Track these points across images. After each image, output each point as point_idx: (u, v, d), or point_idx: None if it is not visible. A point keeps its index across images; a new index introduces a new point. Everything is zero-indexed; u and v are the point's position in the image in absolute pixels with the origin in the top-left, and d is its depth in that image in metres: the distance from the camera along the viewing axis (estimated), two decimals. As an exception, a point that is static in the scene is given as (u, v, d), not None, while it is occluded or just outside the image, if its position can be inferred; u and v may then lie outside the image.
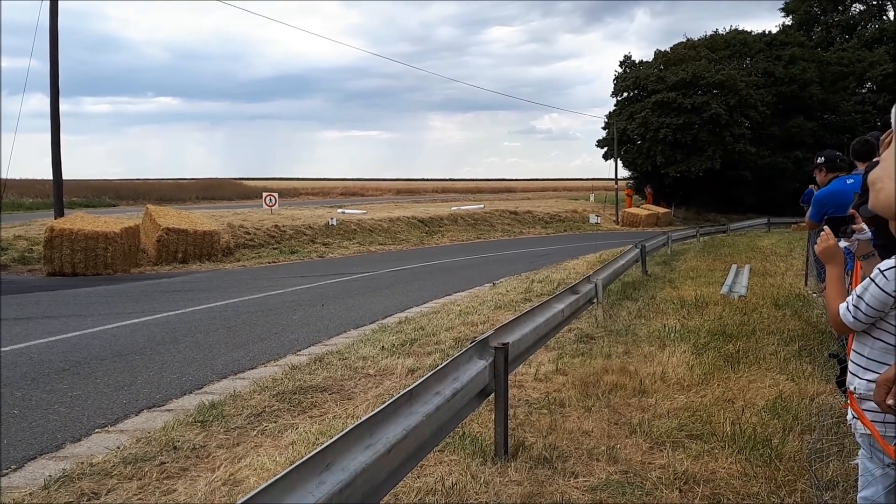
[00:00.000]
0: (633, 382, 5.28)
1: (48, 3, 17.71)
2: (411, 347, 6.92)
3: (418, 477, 3.61)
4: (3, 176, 29.40)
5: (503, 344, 4.08)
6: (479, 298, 10.56)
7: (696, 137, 42.95)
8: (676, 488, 3.44)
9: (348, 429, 2.65)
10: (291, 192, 62.16)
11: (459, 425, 3.91)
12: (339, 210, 30.57)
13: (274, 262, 18.36)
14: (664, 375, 5.47)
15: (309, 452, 2.43)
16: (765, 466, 3.64)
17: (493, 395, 3.99)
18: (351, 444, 2.69)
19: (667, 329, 7.31)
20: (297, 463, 2.30)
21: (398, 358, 6.43)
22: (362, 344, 7.21)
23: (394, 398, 3.00)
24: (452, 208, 34.97)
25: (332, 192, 69.01)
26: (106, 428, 4.85)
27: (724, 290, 10.16)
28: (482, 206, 37.57)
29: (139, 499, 3.54)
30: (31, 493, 3.62)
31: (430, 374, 3.40)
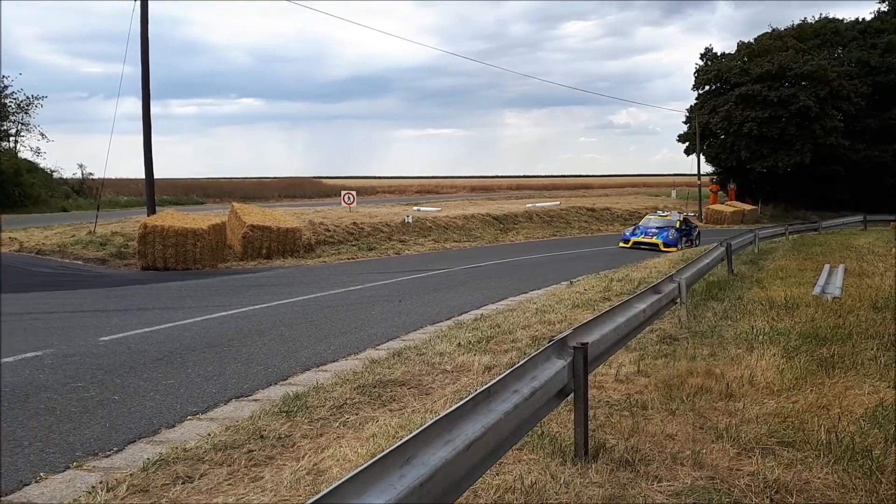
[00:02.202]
0: (720, 386, 5.10)
1: (139, 11, 18.64)
2: (487, 345, 6.93)
3: (497, 474, 3.61)
4: (101, 175, 31.27)
5: (582, 343, 4.02)
6: (556, 297, 10.45)
7: (784, 131, 41.04)
8: (767, 497, 3.31)
9: (428, 424, 2.68)
10: (369, 189, 63.28)
11: (538, 424, 3.89)
12: (415, 208, 30.89)
13: (353, 258, 18.74)
14: (752, 379, 5.26)
15: (390, 446, 2.47)
16: (865, 479, 3.45)
17: (572, 395, 3.94)
18: (431, 439, 2.71)
19: (755, 331, 7.02)
20: (380, 456, 2.34)
21: (475, 355, 6.45)
22: (439, 340, 7.26)
23: (472, 395, 3.01)
24: (527, 205, 34.74)
25: (408, 190, 69.77)
26: (197, 415, 5.08)
27: (817, 290, 9.67)
28: (558, 202, 37.15)
29: (229, 484, 3.69)
30: (131, 475, 3.83)
31: (507, 372, 3.39)
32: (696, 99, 47.92)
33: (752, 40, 46.26)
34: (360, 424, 4.64)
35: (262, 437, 4.39)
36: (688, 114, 48.14)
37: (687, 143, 47.78)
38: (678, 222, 23.17)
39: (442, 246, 22.27)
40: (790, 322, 7.46)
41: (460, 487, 2.83)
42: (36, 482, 3.85)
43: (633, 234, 23.15)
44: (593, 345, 4.35)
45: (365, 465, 2.25)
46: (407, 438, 2.51)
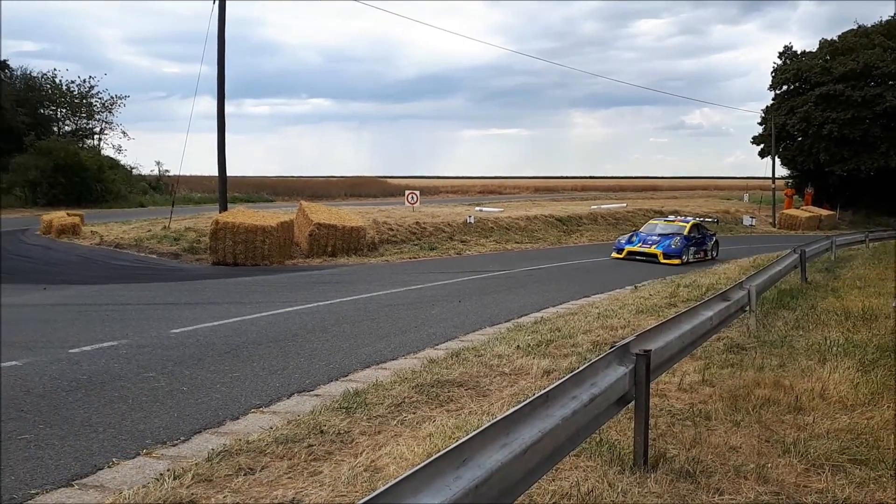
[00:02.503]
0: (788, 398, 4.91)
1: (217, 12, 19.28)
2: (547, 348, 6.87)
3: (553, 480, 3.57)
4: (177, 172, 32.54)
5: (645, 351, 3.94)
6: (620, 301, 10.27)
7: (867, 133, 39.10)
8: (837, 517, 3.17)
9: (485, 426, 2.68)
10: (432, 189, 63.64)
11: (597, 431, 3.83)
12: (477, 208, 30.88)
13: (414, 257, 18.89)
14: (824, 392, 5.04)
15: (446, 446, 2.48)
16: (945, 502, 3.26)
17: (633, 402, 3.87)
18: (487, 441, 2.71)
19: (828, 342, 6.72)
20: (436, 456, 2.35)
21: (533, 358, 6.40)
22: (497, 342, 7.25)
23: (530, 399, 2.99)
24: (592, 207, 34.23)
25: (471, 190, 69.85)
26: (260, 408, 5.22)
27: (898, 302, 9.16)
28: (624, 204, 36.46)
29: (289, 478, 3.78)
30: (196, 464, 3.97)
31: (567, 377, 3.35)
32: (773, 99, 46.21)
33: (835, 38, 44.28)
34: (417, 423, 4.68)
35: (322, 432, 4.48)
36: (763, 115, 46.46)
37: (762, 145, 46.11)
38: (687, 228, 19.52)
39: (503, 247, 22.19)
40: (867, 334, 7.11)
41: (515, 491, 2.81)
42: (108, 467, 4.04)
43: (628, 241, 19.60)
44: (657, 352, 4.25)
45: (421, 465, 2.26)
46: (463, 440, 2.52)
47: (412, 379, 5.73)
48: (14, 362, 6.26)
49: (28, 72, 43.69)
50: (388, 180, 72.23)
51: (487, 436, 2.71)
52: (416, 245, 20.57)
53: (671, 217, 22.43)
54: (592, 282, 13.69)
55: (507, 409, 3.26)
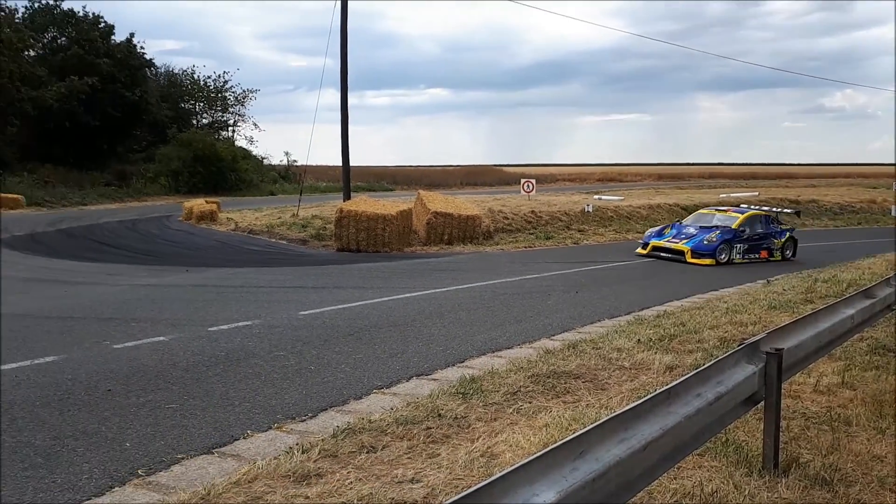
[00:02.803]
0: (943, 407, 4.48)
1: (339, 7, 19.98)
2: (670, 343, 6.64)
3: (675, 478, 3.47)
4: (304, 162, 34.12)
5: (777, 349, 3.72)
6: (751, 296, 9.74)
7: None
8: None
9: (603, 420, 2.65)
10: (549, 177, 62.90)
11: (722, 431, 3.67)
12: (596, 196, 30.22)
13: (530, 246, 18.79)
14: None
15: (563, 437, 2.47)
16: None
17: (762, 403, 3.68)
18: (605, 435, 2.67)
19: None
20: (552, 446, 2.35)
21: (655, 353, 6.21)
22: (617, 335, 7.09)
23: (651, 395, 2.92)
24: (720, 195, 32.55)
25: (590, 178, 68.37)
26: (382, 390, 5.42)
27: None
28: (756, 193, 34.39)
29: (408, 458, 3.91)
30: (322, 440, 4.19)
31: (691, 373, 3.24)
32: (929, 77, 41.90)
33: None
34: (533, 413, 4.68)
35: (439, 415, 4.59)
36: (917, 95, 42.23)
37: (914, 129, 41.98)
38: (739, 221, 15.99)
39: (623, 237, 21.59)
40: None
41: (634, 487, 2.76)
42: (244, 438, 4.34)
43: (658, 234, 16.69)
44: (789, 351, 4.00)
45: (537, 454, 2.27)
46: (581, 432, 2.50)
47: (528, 368, 5.73)
48: (161, 338, 6.84)
49: (171, 69, 47.33)
50: (504, 169, 72.10)
51: (606, 429, 2.68)
52: (531, 234, 20.45)
53: (726, 207, 19.28)
54: (720, 274, 13.05)
55: (627, 404, 3.20)
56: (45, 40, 36.67)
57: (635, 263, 14.94)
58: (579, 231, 21.59)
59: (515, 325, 7.93)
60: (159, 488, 3.59)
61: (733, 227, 15.86)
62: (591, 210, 23.66)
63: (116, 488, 3.58)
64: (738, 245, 15.65)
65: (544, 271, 13.20)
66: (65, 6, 37.30)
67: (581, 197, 29.98)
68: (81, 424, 4.42)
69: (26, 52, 32.94)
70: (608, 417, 2.69)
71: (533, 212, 22.47)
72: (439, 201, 20.01)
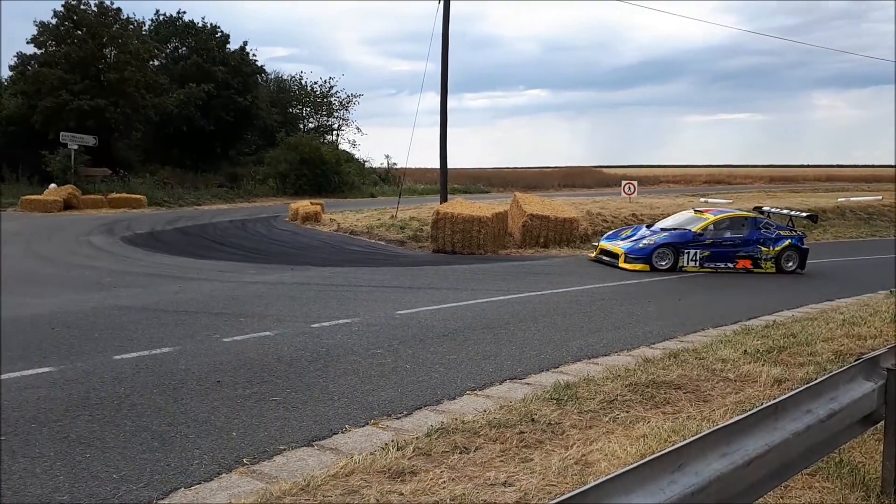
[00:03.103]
0: None
1: (442, 11, 20.20)
2: (779, 355, 6.30)
3: (781, 497, 3.30)
4: (403, 165, 34.78)
5: (900, 365, 3.46)
6: (871, 308, 9.08)
7: None
8: None
9: (704, 433, 2.56)
10: (651, 179, 61.14)
11: (835, 451, 3.45)
12: (702, 199, 29.07)
13: (630, 250, 18.31)
14: None
15: (661, 449, 2.41)
16: None
17: (882, 423, 3.43)
18: (706, 448, 2.58)
19: None
20: (650, 458, 2.29)
21: (762, 365, 5.91)
22: (722, 345, 6.79)
23: (757, 409, 2.80)
24: (839, 199, 30.50)
25: (695, 180, 65.85)
26: (475, 391, 5.45)
27: None
28: (880, 197, 31.98)
29: (501, 461, 3.91)
30: (416, 438, 4.26)
31: (801, 388, 3.07)
32: None
33: None
34: (630, 423, 4.57)
35: (533, 420, 4.56)
36: None
37: None
38: (706, 224, 14.07)
39: (729, 242, 20.65)
40: None
41: (736, 504, 2.65)
42: (342, 432, 4.48)
43: (613, 236, 15.51)
44: (914, 368, 3.71)
45: (634, 465, 2.23)
46: (680, 444, 2.43)
47: (626, 377, 5.59)
48: (267, 332, 7.17)
49: (280, 75, 49.57)
50: (604, 170, 70.63)
51: (707, 443, 2.58)
52: (632, 238, 19.91)
53: (705, 208, 17.55)
54: (837, 283, 12.25)
55: (731, 417, 3.07)
56: (168, 50, 39.29)
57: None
58: (682, 235, 20.82)
59: (613, 332, 7.76)
60: (262, 477, 3.77)
61: (694, 229, 14.03)
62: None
63: (223, 475, 3.78)
64: (694, 251, 13.74)
65: (645, 277, 12.83)
66: (186, 18, 39.89)
67: (686, 199, 28.93)
68: (193, 412, 4.71)
69: (151, 62, 35.40)
70: (710, 430, 2.60)
71: (634, 214, 21.90)
72: (536, 203, 19.86)
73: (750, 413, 2.77)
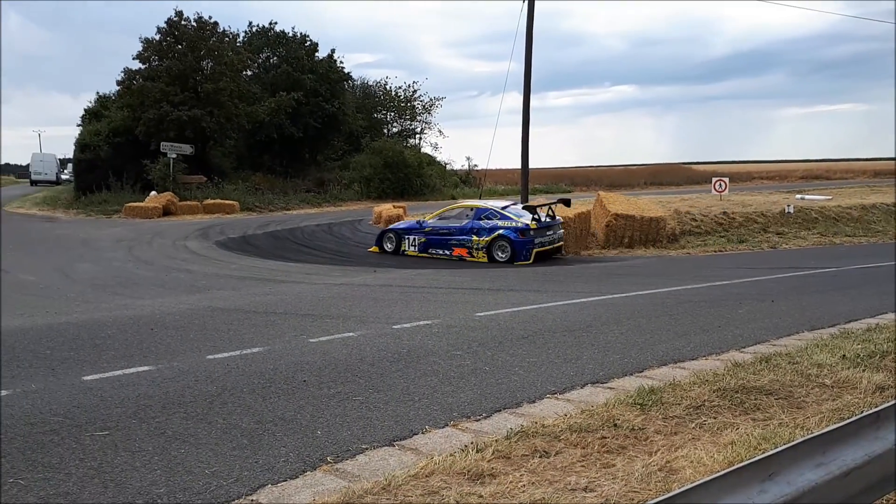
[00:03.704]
0: None
1: (526, 10, 20.08)
2: (882, 361, 5.90)
3: (884, 514, 3.09)
4: (484, 166, 34.81)
5: None
6: None
7: None
8: None
9: (797, 441, 2.45)
10: (743, 175, 58.68)
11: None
12: (798, 196, 27.64)
13: (720, 250, 17.65)
14: None
15: (751, 457, 2.31)
16: None
17: None
18: (799, 457, 2.47)
19: None
20: (739, 465, 2.22)
21: (863, 371, 5.56)
22: (818, 349, 6.43)
23: (856, 417, 2.65)
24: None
25: (791, 176, 62.66)
26: (555, 395, 5.38)
27: None
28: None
29: (582, 466, 3.85)
30: (496, 440, 4.25)
31: (907, 396, 2.87)
32: None
33: None
34: (717, 429, 4.40)
35: (615, 425, 4.46)
36: None
37: None
38: (433, 215, 16.17)
39: (830, 240, 19.56)
40: None
41: (831, 519, 2.51)
42: (422, 433, 4.53)
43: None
44: None
45: (722, 472, 2.16)
46: (771, 452, 2.33)
47: (713, 382, 5.38)
48: (351, 333, 7.34)
49: (365, 81, 50.64)
50: (693, 167, 68.30)
51: (800, 451, 2.47)
52: (722, 237, 19.19)
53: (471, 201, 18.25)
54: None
55: (827, 425, 2.91)
56: (260, 60, 40.90)
57: (845, 270, 13.46)
58: (777, 234, 19.90)
59: (701, 335, 7.49)
60: (345, 475, 3.86)
61: (425, 218, 16.22)
62: (791, 211, 21.69)
63: (308, 472, 3.90)
64: (414, 237, 15.78)
65: (735, 277, 12.33)
66: (277, 28, 41.41)
67: (780, 196, 27.61)
68: (280, 411, 4.88)
69: (244, 72, 36.96)
70: (804, 439, 2.48)
71: (724, 213, 21.09)
72: (620, 202, 19.43)
73: (849, 421, 2.63)
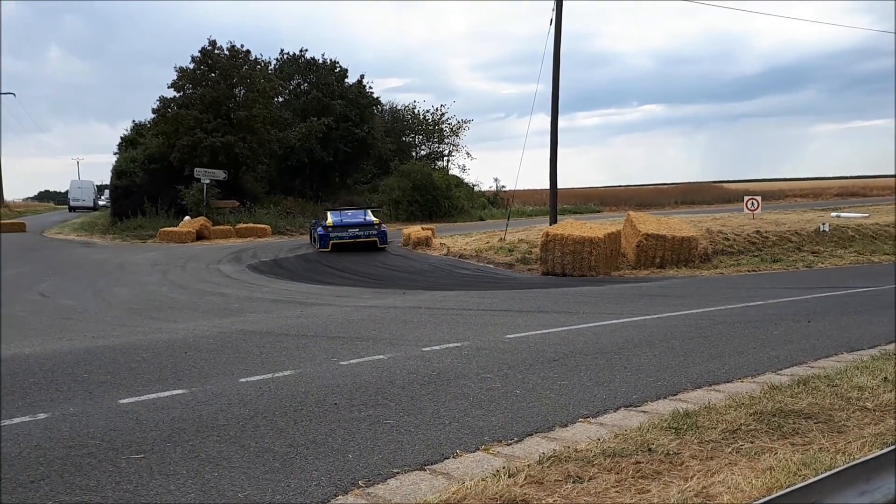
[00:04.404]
0: None
1: (553, 31, 20.20)
2: (927, 383, 5.73)
3: (933, 544, 2.97)
4: (512, 187, 34.84)
5: None
6: None
7: None
8: None
9: (840, 468, 2.39)
10: (776, 193, 57.89)
11: None
12: (833, 213, 27.13)
13: (754, 270, 17.35)
14: None
15: (791, 483, 2.26)
16: None
17: None
18: (842, 485, 2.41)
19: None
20: (780, 493, 2.18)
21: (908, 393, 5.39)
22: (858, 371, 6.27)
23: (901, 444, 2.55)
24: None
25: (826, 193, 61.62)
26: (588, 419, 5.32)
27: None
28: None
29: (616, 491, 3.79)
30: (528, 465, 4.21)
31: (954, 421, 2.78)
32: None
33: None
34: (754, 454, 4.30)
35: (650, 450, 4.39)
36: None
37: None
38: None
39: (868, 259, 19.11)
40: None
41: (878, 550, 2.43)
42: (453, 457, 4.50)
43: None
44: None
45: (762, 500, 2.11)
46: (812, 480, 2.29)
47: (750, 405, 5.28)
48: (381, 356, 7.36)
49: (394, 105, 51.22)
50: (725, 185, 67.63)
51: (843, 479, 2.41)
52: (755, 256, 18.88)
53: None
54: None
55: (870, 451, 2.82)
56: (291, 87, 41.66)
57: (885, 290, 13.13)
58: (813, 253, 19.51)
59: (736, 357, 7.35)
60: (377, 499, 3.85)
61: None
62: (827, 229, 21.27)
63: (340, 497, 3.90)
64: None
65: (770, 298, 12.11)
66: (308, 55, 42.19)
67: (815, 214, 27.14)
68: (312, 434, 4.90)
69: (276, 99, 37.67)
70: (846, 465, 2.42)
71: (758, 232, 20.77)
72: (651, 222, 19.26)
73: (893, 447, 2.54)
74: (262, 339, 8.47)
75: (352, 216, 22.98)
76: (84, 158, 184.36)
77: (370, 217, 22.76)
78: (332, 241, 21.63)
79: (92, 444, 4.68)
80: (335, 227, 21.77)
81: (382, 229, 22.66)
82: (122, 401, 5.73)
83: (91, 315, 11.11)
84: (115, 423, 5.15)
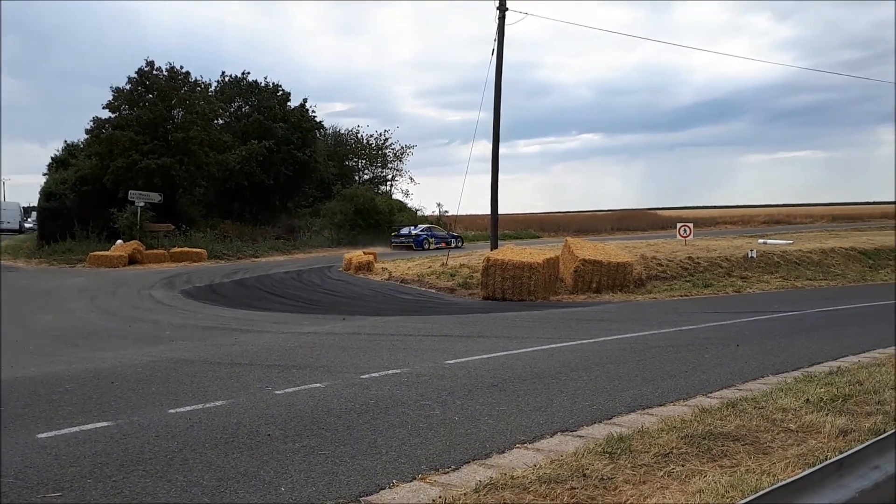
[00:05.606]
0: None
1: (495, 61, 20.60)
2: (844, 404, 5.98)
3: (850, 562, 3.08)
4: (455, 212, 35.10)
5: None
6: (944, 351, 8.58)
7: None
8: None
9: (765, 490, 2.46)
10: (708, 221, 60.04)
11: (909, 510, 3.22)
12: (760, 240, 28.29)
13: (685, 295, 17.89)
14: None
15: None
16: None
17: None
18: (765, 508, 2.46)
19: None
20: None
21: (827, 415, 5.62)
22: (782, 393, 6.50)
23: (821, 465, 2.67)
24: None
25: (754, 221, 64.35)
26: (525, 444, 5.33)
27: None
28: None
29: (550, 518, 3.79)
30: (465, 493, 4.17)
31: (869, 442, 2.92)
32: None
33: None
34: (685, 477, 4.38)
35: (584, 475, 4.42)
36: None
37: None
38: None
39: (792, 284, 19.99)
40: None
41: (798, 571, 2.50)
42: (389, 488, 4.43)
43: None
44: None
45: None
46: (741, 503, 2.33)
47: (681, 428, 5.39)
48: (318, 384, 7.22)
49: (337, 129, 51.11)
50: (659, 212, 69.75)
51: (767, 501, 2.47)
52: (687, 281, 19.49)
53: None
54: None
55: (793, 472, 2.92)
56: (231, 109, 41.06)
57: (807, 314, 13.73)
58: (741, 278, 20.27)
59: (668, 381, 7.52)
60: (309, 533, 3.74)
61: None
62: (754, 255, 22.16)
63: (271, 530, 3.77)
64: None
65: (701, 322, 12.48)
66: (250, 78, 41.71)
67: (744, 241, 28.23)
68: (243, 467, 4.74)
69: (215, 121, 37.04)
70: (770, 489, 2.49)
71: (690, 258, 21.46)
72: (588, 248, 19.67)
73: (814, 469, 2.64)
74: (194, 368, 8.21)
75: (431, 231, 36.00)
76: (11, 179, 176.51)
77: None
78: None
79: (5, 483, 4.41)
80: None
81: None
82: (40, 435, 5.43)
83: (11, 344, 10.56)
84: (31, 459, 4.87)
